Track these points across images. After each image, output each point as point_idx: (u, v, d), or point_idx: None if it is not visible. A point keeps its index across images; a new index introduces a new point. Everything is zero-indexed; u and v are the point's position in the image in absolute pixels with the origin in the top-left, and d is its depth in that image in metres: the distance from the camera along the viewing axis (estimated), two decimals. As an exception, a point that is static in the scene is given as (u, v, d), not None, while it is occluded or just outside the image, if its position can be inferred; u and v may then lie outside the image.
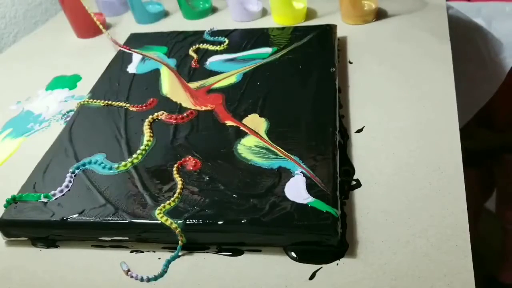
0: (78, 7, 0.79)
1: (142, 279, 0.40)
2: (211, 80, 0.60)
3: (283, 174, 0.44)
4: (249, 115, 0.52)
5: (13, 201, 0.45)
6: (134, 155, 0.49)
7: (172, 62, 0.65)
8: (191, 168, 0.46)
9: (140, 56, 0.68)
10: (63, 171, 0.48)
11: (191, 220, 0.41)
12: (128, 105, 0.57)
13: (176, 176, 0.45)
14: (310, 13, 0.76)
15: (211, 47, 0.67)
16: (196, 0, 0.83)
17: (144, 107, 0.57)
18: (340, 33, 0.67)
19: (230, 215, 0.41)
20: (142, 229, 0.42)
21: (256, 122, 0.51)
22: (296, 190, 0.42)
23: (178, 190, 0.44)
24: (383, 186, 0.45)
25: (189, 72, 0.63)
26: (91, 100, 0.59)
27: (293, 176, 0.44)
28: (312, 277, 0.39)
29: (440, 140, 0.48)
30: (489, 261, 1.21)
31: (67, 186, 0.46)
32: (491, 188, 1.12)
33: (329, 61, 0.59)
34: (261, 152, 0.47)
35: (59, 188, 0.46)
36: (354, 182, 0.46)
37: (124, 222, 0.42)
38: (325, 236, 0.39)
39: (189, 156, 0.48)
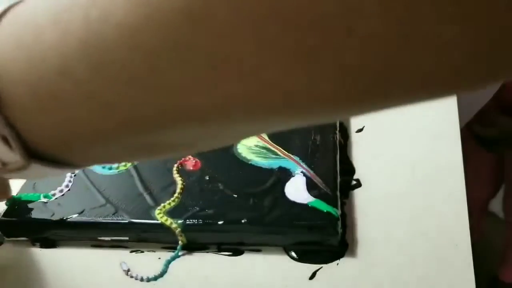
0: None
1: (142, 279, 0.40)
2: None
3: (283, 174, 0.44)
4: (249, 115, 0.52)
5: (13, 202, 0.45)
6: (134, 155, 0.49)
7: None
8: (191, 168, 0.46)
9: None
10: (63, 171, 0.48)
11: (191, 220, 0.41)
12: (128, 105, 0.57)
13: (176, 175, 0.45)
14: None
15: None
16: None
17: (144, 107, 0.56)
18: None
19: (230, 215, 0.41)
20: (142, 229, 0.42)
21: (256, 121, 0.51)
22: (296, 190, 0.42)
23: (178, 190, 0.44)
24: (383, 185, 0.45)
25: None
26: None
27: (293, 176, 0.44)
28: (312, 277, 0.39)
29: (441, 140, 0.48)
30: (491, 261, 1.21)
31: (67, 186, 0.46)
32: (500, 182, 1.11)
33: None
34: (261, 151, 0.47)
35: (59, 188, 0.46)
36: (354, 182, 0.46)
37: (124, 222, 0.42)
38: (325, 236, 0.39)
39: (189, 156, 0.48)
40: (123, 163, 0.48)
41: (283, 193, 0.42)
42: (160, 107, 0.16)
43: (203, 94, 0.15)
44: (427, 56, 0.14)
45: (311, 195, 0.41)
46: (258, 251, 0.41)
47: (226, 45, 0.14)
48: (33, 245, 0.45)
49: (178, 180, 0.45)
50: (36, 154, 0.19)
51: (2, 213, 0.44)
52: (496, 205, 1.21)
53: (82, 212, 0.43)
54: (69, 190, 0.46)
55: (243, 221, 0.40)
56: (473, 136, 0.97)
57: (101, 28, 0.15)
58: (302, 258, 0.40)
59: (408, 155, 0.47)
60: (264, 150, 0.47)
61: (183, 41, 0.14)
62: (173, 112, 0.16)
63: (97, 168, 0.48)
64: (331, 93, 0.15)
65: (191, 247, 0.42)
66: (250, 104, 0.16)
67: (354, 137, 0.51)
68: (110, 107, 0.17)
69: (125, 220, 0.42)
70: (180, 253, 0.41)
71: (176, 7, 0.14)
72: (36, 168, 0.19)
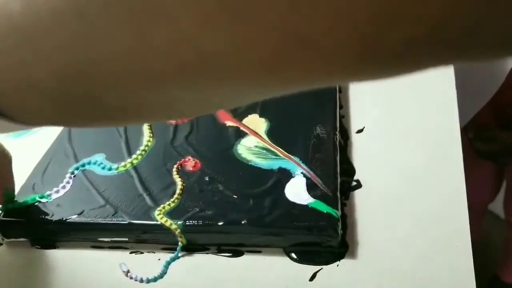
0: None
1: (141, 280, 0.40)
2: (211, 80, 0.60)
3: (283, 175, 0.44)
4: (249, 115, 0.52)
5: (9, 208, 0.44)
6: (134, 156, 0.48)
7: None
8: (191, 169, 0.46)
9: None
10: (62, 172, 0.48)
11: (191, 221, 0.41)
12: (127, 105, 0.57)
13: (176, 176, 0.45)
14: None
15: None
16: None
17: (143, 107, 0.56)
18: (340, 32, 0.67)
19: (230, 216, 0.41)
20: (142, 230, 0.42)
21: (256, 122, 0.51)
22: (296, 191, 0.42)
23: (178, 191, 0.44)
24: (383, 186, 0.45)
25: (189, 72, 0.62)
26: (91, 100, 0.59)
27: (293, 177, 0.43)
28: (312, 278, 0.39)
29: (441, 140, 0.48)
30: (491, 260, 1.21)
31: (63, 187, 0.46)
32: (499, 185, 1.11)
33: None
34: (261, 152, 0.47)
35: (55, 189, 0.45)
36: (354, 183, 0.46)
37: (124, 223, 0.42)
38: (325, 237, 0.39)
39: (189, 157, 0.47)
40: (122, 164, 0.48)
41: (283, 194, 0.42)
42: (87, 55, 0.16)
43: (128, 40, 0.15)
44: None
45: (311, 196, 0.41)
46: (258, 252, 0.41)
47: None
48: (33, 245, 0.44)
49: (178, 181, 0.45)
50: None
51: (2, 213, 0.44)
52: (496, 205, 1.21)
53: (81, 213, 0.43)
54: (68, 190, 0.46)
55: (243, 222, 0.40)
56: (474, 151, 0.97)
57: None
58: (302, 259, 0.40)
59: (408, 155, 0.47)
60: (264, 151, 0.47)
61: None
62: (104, 63, 0.16)
63: (97, 169, 0.48)
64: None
65: (191, 248, 0.42)
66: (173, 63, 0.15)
67: (354, 138, 0.51)
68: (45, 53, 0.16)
69: (125, 221, 0.42)
70: (180, 254, 0.41)
71: None
72: None
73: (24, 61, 0.17)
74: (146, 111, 0.19)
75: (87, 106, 0.18)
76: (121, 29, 0.15)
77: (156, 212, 0.42)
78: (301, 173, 0.44)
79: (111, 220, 0.42)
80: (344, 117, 0.53)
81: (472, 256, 0.38)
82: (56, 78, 0.17)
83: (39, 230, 0.44)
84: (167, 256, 0.41)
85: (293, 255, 0.40)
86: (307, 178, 0.43)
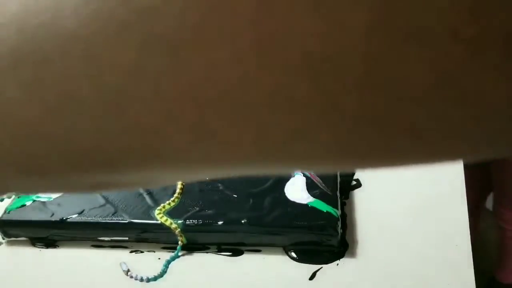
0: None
1: (142, 279, 0.40)
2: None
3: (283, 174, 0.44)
4: (249, 115, 0.52)
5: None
6: (134, 155, 0.48)
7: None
8: (191, 168, 0.46)
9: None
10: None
11: (191, 220, 0.41)
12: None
13: (176, 176, 0.45)
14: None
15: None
16: None
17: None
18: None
19: (230, 215, 0.41)
20: (142, 229, 0.42)
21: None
22: (296, 190, 0.42)
23: (178, 190, 0.44)
24: (383, 186, 0.45)
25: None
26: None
27: (293, 176, 0.44)
28: (312, 277, 0.39)
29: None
30: (489, 261, 1.21)
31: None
32: (490, 186, 1.12)
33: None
34: (261, 152, 0.47)
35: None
36: (354, 182, 0.46)
37: (124, 222, 0.42)
38: (325, 236, 0.39)
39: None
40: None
41: (283, 193, 0.42)
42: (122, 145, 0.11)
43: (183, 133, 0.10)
44: None
45: (311, 195, 0.41)
46: (258, 251, 0.41)
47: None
48: (33, 245, 0.44)
49: (178, 180, 0.45)
50: None
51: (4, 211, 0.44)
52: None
53: (82, 212, 0.43)
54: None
55: (243, 221, 0.40)
56: None
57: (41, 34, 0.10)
58: (302, 258, 0.40)
59: (408, 155, 0.47)
60: (264, 150, 0.47)
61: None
62: (141, 152, 0.11)
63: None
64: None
65: (191, 248, 0.42)
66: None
67: (354, 137, 0.51)
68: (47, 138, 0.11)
69: (125, 220, 0.42)
70: (180, 254, 0.41)
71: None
72: None
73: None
74: (140, 184, 0.15)
75: (64, 183, 0.14)
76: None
77: (156, 211, 0.42)
78: (301, 172, 0.44)
79: (111, 220, 0.42)
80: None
81: (472, 256, 0.38)
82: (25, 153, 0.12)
83: (40, 229, 0.44)
84: (167, 255, 0.41)
85: (293, 254, 0.40)
86: (307, 177, 0.43)
